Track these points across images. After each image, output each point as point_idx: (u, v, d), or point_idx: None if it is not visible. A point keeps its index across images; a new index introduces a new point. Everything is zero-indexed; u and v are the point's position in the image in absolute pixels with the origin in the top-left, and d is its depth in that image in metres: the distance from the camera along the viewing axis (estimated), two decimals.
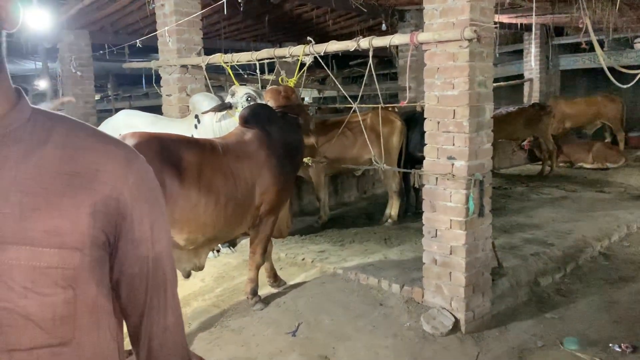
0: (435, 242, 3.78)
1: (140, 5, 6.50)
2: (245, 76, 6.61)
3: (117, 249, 0.93)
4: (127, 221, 0.92)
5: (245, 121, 3.89)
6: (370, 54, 3.95)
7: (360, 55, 12.84)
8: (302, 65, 4.50)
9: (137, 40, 5.79)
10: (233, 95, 4.75)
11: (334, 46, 4.15)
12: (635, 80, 5.19)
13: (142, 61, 5.92)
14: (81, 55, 7.73)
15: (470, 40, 3.40)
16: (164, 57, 5.66)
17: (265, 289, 4.28)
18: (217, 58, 5.00)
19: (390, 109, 7.17)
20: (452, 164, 3.62)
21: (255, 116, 3.87)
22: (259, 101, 4.51)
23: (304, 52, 4.34)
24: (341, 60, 12.40)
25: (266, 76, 6.11)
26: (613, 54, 9.40)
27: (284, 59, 4.62)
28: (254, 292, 4.05)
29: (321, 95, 12.03)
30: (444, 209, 3.69)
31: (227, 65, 5.03)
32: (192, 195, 3.39)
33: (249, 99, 4.64)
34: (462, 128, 3.54)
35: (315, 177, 6.01)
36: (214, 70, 6.33)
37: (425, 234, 3.85)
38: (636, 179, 7.79)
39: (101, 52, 7.96)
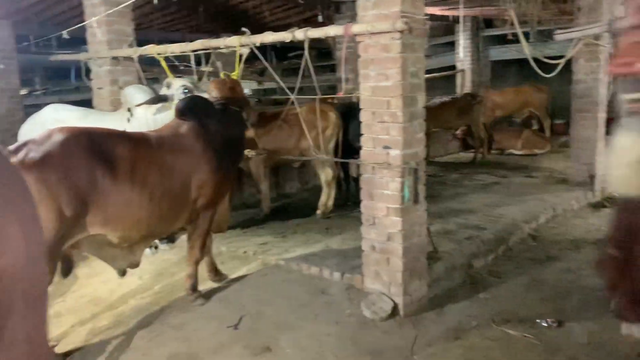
0: (373, 229, 3.87)
1: None
2: (182, 68, 6.49)
3: None
4: None
5: (181, 113, 3.83)
6: (306, 45, 3.97)
7: (299, 47, 12.87)
8: (240, 56, 4.47)
9: (64, 32, 5.55)
10: (169, 87, 4.66)
11: (269, 37, 4.14)
12: (557, 70, 5.48)
13: (70, 53, 5.68)
14: (4, 47, 7.31)
15: (402, 31, 3.48)
16: (94, 49, 5.46)
17: (206, 284, 4.25)
18: (150, 49, 4.88)
19: (328, 100, 7.26)
20: (388, 153, 3.71)
21: (191, 108, 3.81)
22: (196, 93, 4.45)
23: (240, 43, 4.30)
24: (280, 52, 12.39)
25: (203, 68, 6.02)
26: (538, 45, 9.85)
27: (219, 50, 4.57)
28: (194, 288, 4.01)
29: (261, 87, 11.98)
30: (381, 197, 3.79)
31: (161, 57, 4.92)
32: (125, 191, 3.30)
33: (186, 91, 4.58)
34: (396, 118, 3.63)
35: (255, 169, 5.99)
36: (149, 63, 6.16)
37: (364, 222, 3.93)
38: (561, 164, 8.23)
39: (25, 43, 7.58)
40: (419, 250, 3.92)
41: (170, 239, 5.22)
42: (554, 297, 4.08)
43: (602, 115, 6.81)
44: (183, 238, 5.08)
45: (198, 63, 6.31)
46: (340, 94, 4.78)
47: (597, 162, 6.79)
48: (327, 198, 5.85)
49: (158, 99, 4.60)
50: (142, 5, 6.47)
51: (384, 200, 3.77)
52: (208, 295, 4.08)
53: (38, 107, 5.24)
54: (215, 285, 4.27)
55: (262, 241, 5.09)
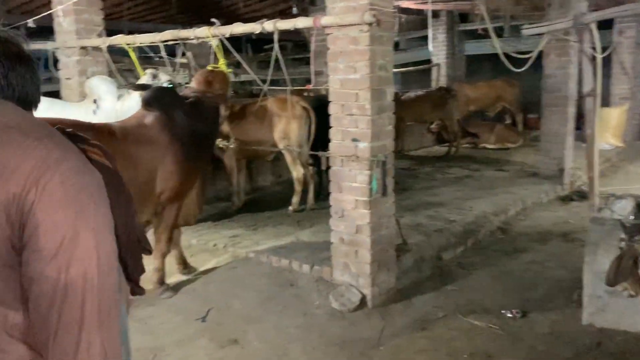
0: (342, 221, 3.88)
1: None
2: (156, 59, 6.39)
3: (22, 260, 0.81)
4: (29, 227, 0.79)
5: (148, 104, 3.78)
6: (275, 36, 3.95)
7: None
8: (212, 47, 4.41)
9: (30, 20, 5.42)
10: (155, 77, 4.57)
11: (239, 28, 4.11)
12: (527, 65, 5.55)
13: (37, 43, 5.56)
14: None
15: (370, 24, 3.49)
16: (62, 38, 5.35)
17: (175, 277, 4.22)
18: (119, 39, 4.81)
19: (304, 93, 7.24)
20: (356, 146, 3.72)
21: (157, 99, 3.77)
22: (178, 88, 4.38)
23: (210, 34, 4.26)
24: (256, 44, 12.30)
25: (179, 59, 5.94)
26: (511, 40, 9.97)
27: (189, 41, 4.52)
28: (161, 281, 3.98)
29: (238, 80, 11.90)
30: (350, 189, 3.80)
31: (130, 48, 4.84)
32: None
33: (171, 85, 4.50)
34: (365, 111, 3.64)
35: (228, 161, 5.97)
36: (122, 54, 6.06)
37: (333, 214, 3.94)
38: (532, 157, 8.35)
39: None
40: (387, 242, 3.95)
41: None
42: (520, 288, 4.15)
43: (571, 110, 6.93)
44: (151, 232, 5.04)
45: (172, 54, 6.23)
46: (309, 87, 4.75)
47: (566, 156, 6.92)
48: (298, 197, 5.83)
49: (139, 86, 4.50)
50: None
51: (352, 193, 3.78)
52: (176, 288, 4.06)
53: None
54: (184, 278, 4.25)
55: (232, 234, 5.07)
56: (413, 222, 5.24)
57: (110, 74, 5.37)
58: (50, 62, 5.61)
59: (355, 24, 3.54)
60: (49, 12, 5.20)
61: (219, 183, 6.24)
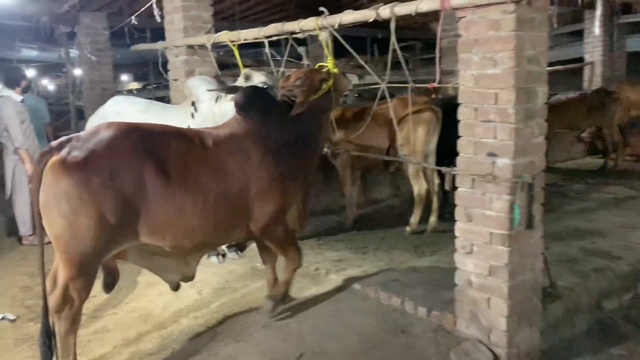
0: (470, 259, 3.03)
1: None
2: (275, 58, 5.94)
3: None
4: None
5: (241, 108, 3.24)
6: (392, 25, 3.21)
7: (403, 38, 11.97)
8: (328, 44, 3.76)
9: (132, 17, 5.24)
10: (247, 79, 4.10)
11: (349, 16, 3.43)
12: None
13: (147, 44, 5.41)
14: (96, 39, 7.28)
15: (517, 2, 2.62)
16: (170, 37, 5.09)
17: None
18: (222, 36, 4.37)
19: (431, 94, 6.40)
20: (493, 163, 2.85)
21: (251, 103, 3.21)
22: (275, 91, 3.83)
23: (317, 25, 3.63)
24: (384, 44, 11.62)
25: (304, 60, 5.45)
26: None
27: (294, 35, 3.93)
28: (281, 299, 3.53)
29: (362, 82, 11.32)
30: (483, 218, 2.93)
31: (234, 46, 4.39)
32: (178, 195, 2.80)
33: (266, 87, 3.98)
34: (507, 117, 2.77)
35: (342, 170, 5.33)
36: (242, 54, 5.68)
37: (458, 249, 3.10)
38: None
39: (136, 36, 7.51)
40: (530, 289, 3.02)
41: (240, 247, 4.70)
42: None
43: None
44: (253, 247, 4.56)
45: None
46: (432, 85, 3.94)
47: None
48: (418, 216, 5.01)
49: (231, 89, 4.04)
50: None
51: (486, 224, 2.91)
52: (267, 322, 3.47)
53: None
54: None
55: (338, 257, 4.39)
56: (563, 256, 4.17)
57: (220, 75, 4.99)
58: (159, 63, 5.37)
59: (496, 3, 2.68)
60: (145, 6, 4.93)
61: (330, 194, 5.60)
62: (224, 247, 4.56)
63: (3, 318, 3.68)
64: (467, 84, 2.93)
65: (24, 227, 5.30)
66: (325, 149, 4.62)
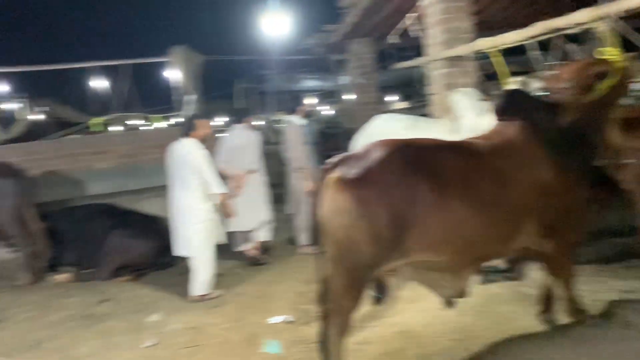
0: None
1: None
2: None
3: None
4: None
5: (501, 112, 3.00)
6: None
7: None
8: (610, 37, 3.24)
9: (390, 35, 5.34)
10: (524, 87, 3.84)
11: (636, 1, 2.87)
12: None
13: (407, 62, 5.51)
14: (364, 63, 7.77)
15: None
16: (430, 51, 5.09)
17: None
18: (481, 44, 4.15)
19: None
20: None
21: (512, 105, 2.95)
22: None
23: (594, 16, 3.15)
24: None
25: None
26: None
27: (566, 32, 3.49)
28: (576, 312, 3.19)
29: None
30: None
31: (496, 53, 4.12)
32: (454, 209, 2.74)
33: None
34: None
35: (629, 185, 4.51)
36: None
37: None
38: None
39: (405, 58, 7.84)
40: None
41: (510, 269, 4.32)
42: None
43: None
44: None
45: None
46: None
47: None
48: None
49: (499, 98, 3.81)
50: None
51: None
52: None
53: None
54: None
55: (625, 287, 3.68)
56: None
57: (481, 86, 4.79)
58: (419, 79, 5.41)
59: None
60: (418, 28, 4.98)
61: (612, 214, 4.79)
62: (491, 268, 4.27)
63: (284, 320, 4.10)
64: None
65: (302, 237, 5.88)
66: (606, 159, 3.96)
